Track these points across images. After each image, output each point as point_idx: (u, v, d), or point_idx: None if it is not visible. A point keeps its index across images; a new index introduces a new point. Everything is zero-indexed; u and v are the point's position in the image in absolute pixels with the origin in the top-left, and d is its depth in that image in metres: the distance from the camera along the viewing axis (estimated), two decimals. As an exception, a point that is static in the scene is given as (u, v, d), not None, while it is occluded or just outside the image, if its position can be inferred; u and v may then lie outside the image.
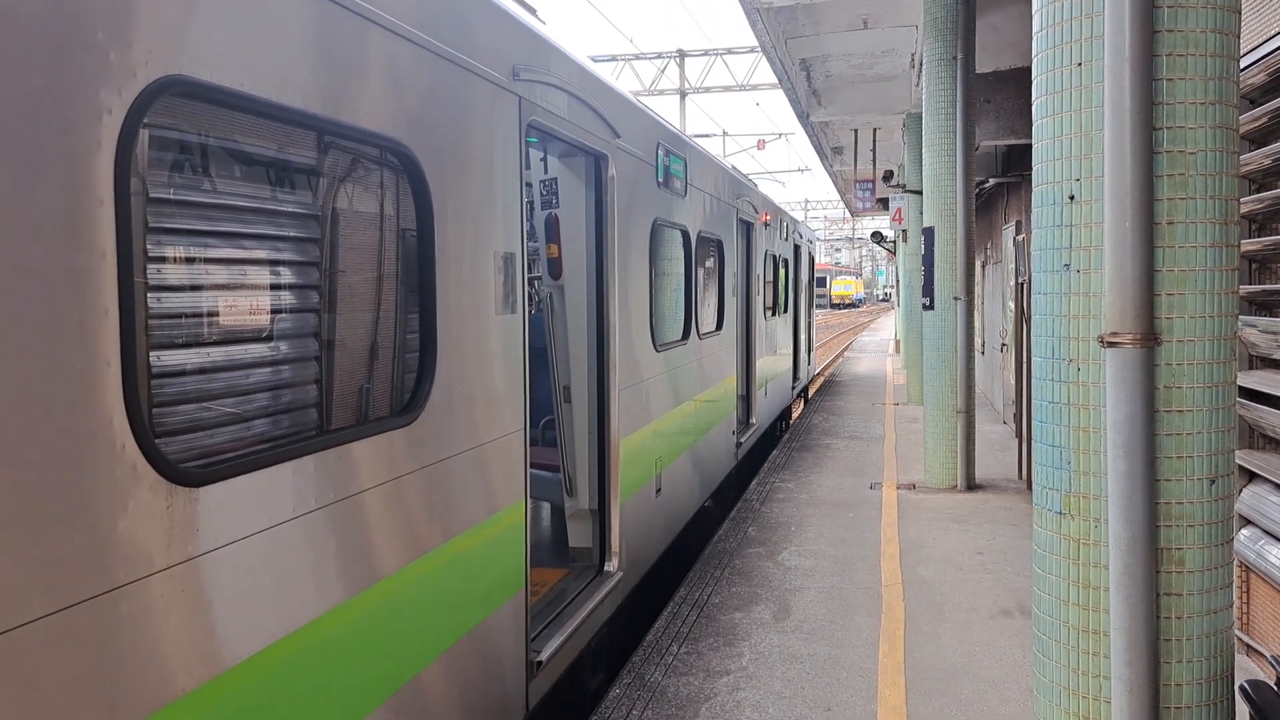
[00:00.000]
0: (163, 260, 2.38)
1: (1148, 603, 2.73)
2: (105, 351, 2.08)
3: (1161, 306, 2.77)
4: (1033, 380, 3.07)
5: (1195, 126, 2.77)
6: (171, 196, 2.42)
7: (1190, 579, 2.79)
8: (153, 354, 2.33)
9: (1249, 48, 5.40)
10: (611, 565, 5.64)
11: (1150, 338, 2.74)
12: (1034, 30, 3.05)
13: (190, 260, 2.48)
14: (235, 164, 2.63)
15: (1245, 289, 5.52)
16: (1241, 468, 5.46)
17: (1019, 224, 12.60)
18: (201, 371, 2.51)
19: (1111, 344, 2.75)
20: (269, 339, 2.76)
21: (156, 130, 2.34)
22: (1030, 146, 11.81)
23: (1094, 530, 2.86)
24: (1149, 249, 2.74)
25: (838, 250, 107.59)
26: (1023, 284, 10.23)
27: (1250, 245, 5.47)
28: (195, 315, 2.49)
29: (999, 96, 11.24)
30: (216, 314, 2.57)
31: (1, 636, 1.84)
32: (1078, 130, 2.87)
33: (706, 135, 35.83)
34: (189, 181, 2.48)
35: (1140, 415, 2.73)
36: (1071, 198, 2.88)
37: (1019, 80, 11.31)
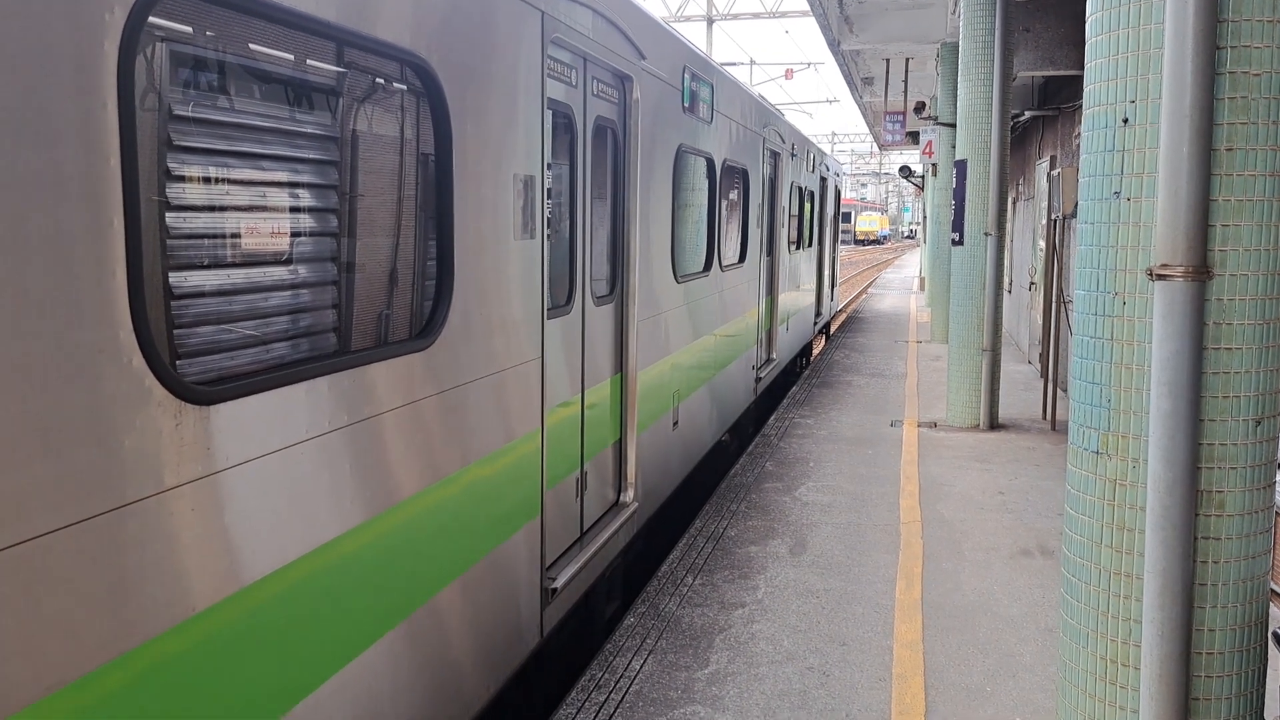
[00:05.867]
0: (173, 173, 2.28)
1: (1185, 546, 2.64)
2: (111, 263, 2.00)
3: (1215, 238, 2.62)
4: (1075, 314, 2.94)
5: (1262, 46, 2.59)
6: (188, 112, 2.31)
7: (1230, 523, 2.69)
8: (166, 271, 2.25)
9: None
10: (627, 496, 5.61)
11: (1202, 271, 2.60)
12: (1092, -60, 2.86)
13: (204, 176, 2.38)
14: (246, 75, 2.51)
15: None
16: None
17: (1054, 159, 12.27)
18: (216, 292, 2.43)
19: (1161, 277, 2.62)
20: (284, 260, 2.68)
21: (162, 35, 2.22)
22: (1070, 78, 11.43)
23: (1132, 471, 2.76)
24: (1205, 176, 2.59)
25: (864, 185, 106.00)
26: (1055, 221, 9.98)
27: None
28: (208, 235, 2.41)
29: (1039, 25, 10.83)
30: (230, 233, 2.48)
31: (6, 551, 1.79)
32: (1134, 48, 2.69)
33: (733, 64, 35.17)
34: (201, 96, 2.36)
35: (1187, 352, 2.60)
36: (1125, 121, 2.72)
37: (1060, 7, 10.88)
